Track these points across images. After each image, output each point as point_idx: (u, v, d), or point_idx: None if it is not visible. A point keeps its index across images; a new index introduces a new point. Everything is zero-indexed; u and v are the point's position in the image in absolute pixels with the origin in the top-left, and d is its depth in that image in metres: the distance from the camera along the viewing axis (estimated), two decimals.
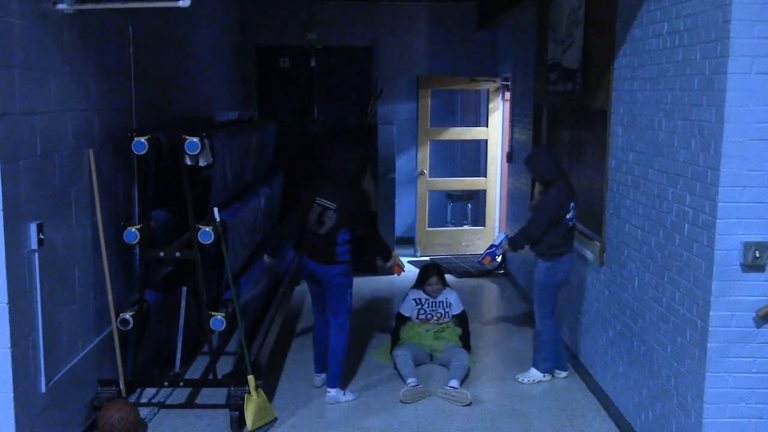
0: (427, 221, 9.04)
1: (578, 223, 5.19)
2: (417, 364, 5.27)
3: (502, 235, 5.38)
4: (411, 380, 4.98)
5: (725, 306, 3.28)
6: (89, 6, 3.90)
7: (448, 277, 5.76)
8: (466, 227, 9.43)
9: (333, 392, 4.79)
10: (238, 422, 4.32)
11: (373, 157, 8.26)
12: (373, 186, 8.17)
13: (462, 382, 5.02)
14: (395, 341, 5.50)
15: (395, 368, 5.25)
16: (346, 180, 4.71)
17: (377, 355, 5.64)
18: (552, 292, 5.01)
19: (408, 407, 4.76)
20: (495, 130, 8.94)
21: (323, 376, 5.00)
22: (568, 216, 4.87)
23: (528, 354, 5.70)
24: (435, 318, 5.56)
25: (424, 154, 8.91)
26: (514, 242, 5.07)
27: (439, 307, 5.58)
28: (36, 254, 3.54)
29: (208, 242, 4.33)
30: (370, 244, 4.89)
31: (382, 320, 6.47)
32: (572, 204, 4.89)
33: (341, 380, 4.83)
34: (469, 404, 4.76)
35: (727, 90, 3.15)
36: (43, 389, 3.65)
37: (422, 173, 8.91)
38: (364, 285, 7.32)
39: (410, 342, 5.42)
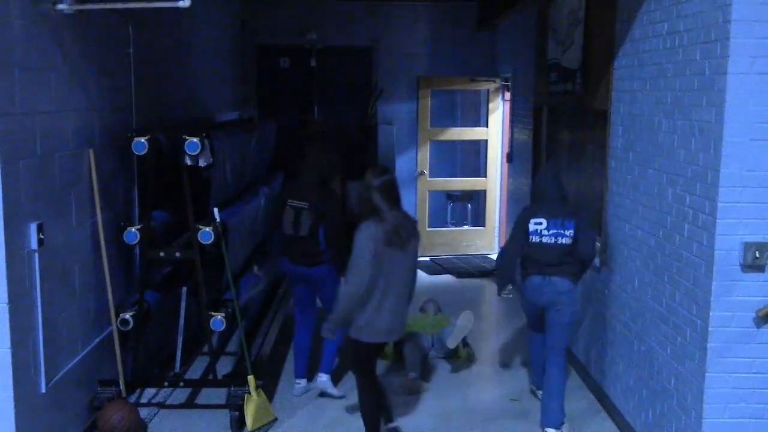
0: (427, 221, 9.04)
1: None
2: (423, 356, 5.33)
3: None
4: (412, 374, 5.03)
5: (725, 306, 3.28)
6: (89, 6, 3.90)
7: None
8: (466, 227, 9.42)
9: (325, 377, 4.77)
10: (238, 422, 4.32)
11: (372, 157, 8.27)
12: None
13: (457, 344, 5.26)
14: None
15: (402, 354, 5.23)
16: (314, 180, 4.69)
17: None
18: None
19: (408, 407, 4.76)
20: (495, 131, 8.93)
21: (303, 382, 4.92)
22: (531, 229, 4.37)
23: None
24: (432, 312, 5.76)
25: (424, 155, 8.91)
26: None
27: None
28: (36, 254, 3.53)
29: (208, 242, 4.33)
30: (336, 252, 4.58)
31: None
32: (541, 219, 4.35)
33: (333, 370, 4.85)
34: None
35: (727, 90, 3.15)
36: (43, 389, 3.65)
37: (422, 173, 8.91)
38: None
39: (416, 330, 5.46)
